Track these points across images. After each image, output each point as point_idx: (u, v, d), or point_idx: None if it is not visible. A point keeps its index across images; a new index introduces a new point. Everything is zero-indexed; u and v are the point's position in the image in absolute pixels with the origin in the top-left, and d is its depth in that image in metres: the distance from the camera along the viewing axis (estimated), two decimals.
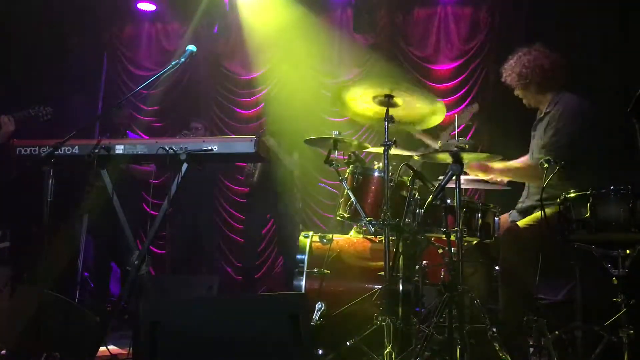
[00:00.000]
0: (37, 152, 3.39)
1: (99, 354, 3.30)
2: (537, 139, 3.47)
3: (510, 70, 3.53)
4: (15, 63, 5.81)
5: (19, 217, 5.15)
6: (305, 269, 3.61)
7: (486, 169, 3.56)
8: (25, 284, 4.45)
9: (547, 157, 3.07)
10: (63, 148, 3.33)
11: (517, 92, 3.61)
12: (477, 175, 3.73)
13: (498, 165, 3.47)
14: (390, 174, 3.36)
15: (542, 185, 2.99)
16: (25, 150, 3.44)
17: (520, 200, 3.61)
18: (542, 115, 3.49)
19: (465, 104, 6.26)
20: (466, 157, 3.07)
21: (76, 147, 3.40)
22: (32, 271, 4.48)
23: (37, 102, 4.34)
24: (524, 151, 3.76)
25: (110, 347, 3.36)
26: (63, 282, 5.29)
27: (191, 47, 3.49)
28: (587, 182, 2.94)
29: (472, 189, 5.27)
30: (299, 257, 3.68)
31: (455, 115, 4.62)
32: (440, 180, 3.14)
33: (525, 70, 3.46)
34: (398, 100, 3.25)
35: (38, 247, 4.57)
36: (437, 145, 3.84)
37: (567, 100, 3.45)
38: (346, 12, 6.72)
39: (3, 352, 3.42)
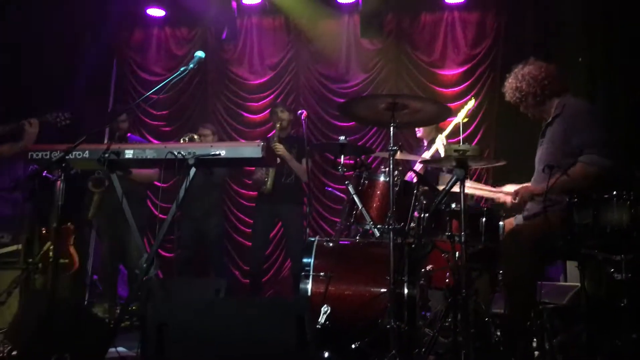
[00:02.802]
0: (48, 157, 3.45)
1: (108, 355, 3.35)
2: (548, 143, 3.47)
3: (508, 88, 3.60)
4: (26, 68, 5.89)
5: (30, 219, 5.22)
6: (311, 273, 3.64)
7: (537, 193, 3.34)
8: (36, 286, 4.52)
9: (551, 164, 3.10)
10: (74, 152, 3.38)
11: (521, 109, 3.65)
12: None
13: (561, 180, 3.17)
14: (395, 179, 3.38)
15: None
16: (37, 155, 3.49)
17: (527, 207, 3.62)
18: (549, 120, 3.51)
19: (473, 108, 6.29)
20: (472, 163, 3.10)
21: (87, 151, 3.45)
22: (43, 273, 4.56)
23: (55, 107, 4.37)
24: (530, 156, 3.77)
25: (119, 349, 3.40)
26: (73, 284, 5.36)
27: (200, 53, 3.54)
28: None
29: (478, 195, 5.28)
30: (305, 260, 3.70)
31: (468, 121, 4.65)
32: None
33: (520, 84, 3.52)
34: (404, 105, 3.28)
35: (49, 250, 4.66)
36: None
37: (574, 102, 3.46)
38: (353, 18, 6.76)
39: (14, 353, 3.48)
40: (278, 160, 5.24)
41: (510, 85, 3.57)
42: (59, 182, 3.14)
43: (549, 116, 3.51)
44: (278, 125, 5.45)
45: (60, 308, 3.14)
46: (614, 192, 2.82)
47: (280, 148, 5.20)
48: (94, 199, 5.27)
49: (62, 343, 2.93)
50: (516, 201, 3.44)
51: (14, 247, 4.88)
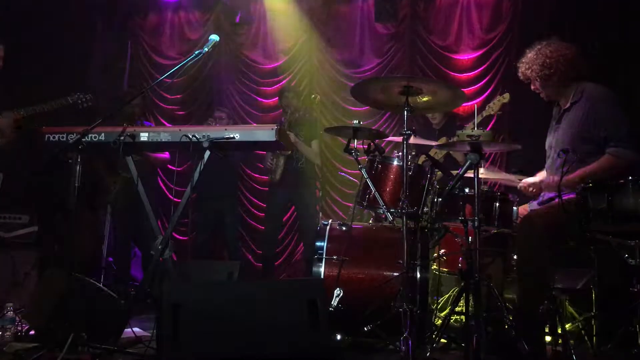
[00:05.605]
0: (65, 139, 3.49)
1: (123, 335, 3.40)
2: (565, 129, 3.43)
3: (532, 63, 3.48)
4: (40, 51, 5.91)
5: (46, 201, 5.27)
6: (324, 256, 3.66)
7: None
8: (53, 268, 4.58)
9: (566, 148, 3.08)
10: (90, 135, 3.41)
11: (536, 85, 3.55)
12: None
13: (576, 175, 3.24)
14: (409, 163, 3.38)
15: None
16: (54, 137, 3.54)
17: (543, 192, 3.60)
18: (568, 106, 3.46)
19: (487, 93, 6.25)
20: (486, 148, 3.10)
21: (102, 134, 3.49)
22: (59, 255, 4.61)
23: (77, 90, 4.39)
24: (544, 141, 3.74)
25: (135, 329, 3.44)
26: (88, 266, 5.43)
27: (214, 37, 3.54)
28: None
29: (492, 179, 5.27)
30: (318, 244, 3.73)
31: (482, 106, 4.62)
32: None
33: (549, 60, 3.42)
34: (418, 89, 3.27)
35: (64, 232, 4.71)
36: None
37: (596, 88, 3.41)
38: (367, 2, 6.72)
39: (32, 332, 3.54)
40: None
41: (535, 60, 3.46)
42: (75, 165, 3.17)
43: (566, 101, 3.46)
44: (288, 111, 5.43)
45: (76, 289, 3.18)
46: (629, 178, 2.80)
47: (290, 136, 5.20)
48: (119, 183, 5.31)
49: (79, 323, 2.97)
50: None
51: (31, 229, 4.94)
